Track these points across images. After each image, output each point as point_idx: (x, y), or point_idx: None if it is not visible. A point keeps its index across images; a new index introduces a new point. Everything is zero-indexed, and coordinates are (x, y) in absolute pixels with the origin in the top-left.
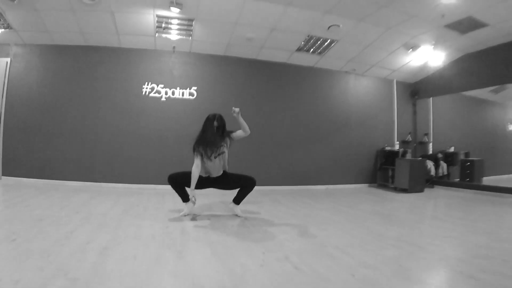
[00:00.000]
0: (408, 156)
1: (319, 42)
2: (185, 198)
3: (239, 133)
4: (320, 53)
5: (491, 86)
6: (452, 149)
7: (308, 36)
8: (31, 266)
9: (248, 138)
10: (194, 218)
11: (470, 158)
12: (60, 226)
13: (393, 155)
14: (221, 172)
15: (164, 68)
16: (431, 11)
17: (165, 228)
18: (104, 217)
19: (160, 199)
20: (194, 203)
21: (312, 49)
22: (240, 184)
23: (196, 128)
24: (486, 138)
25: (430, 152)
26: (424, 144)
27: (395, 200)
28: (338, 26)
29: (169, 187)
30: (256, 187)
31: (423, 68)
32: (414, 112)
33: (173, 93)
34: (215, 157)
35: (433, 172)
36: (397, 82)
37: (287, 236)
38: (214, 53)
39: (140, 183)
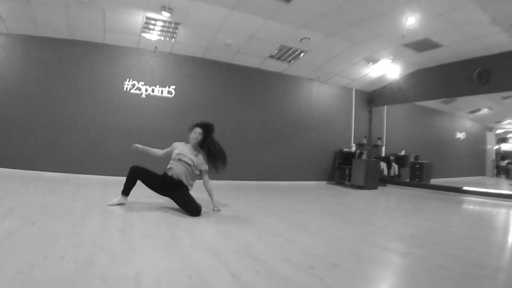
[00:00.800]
0: (364, 157)
1: (290, 51)
2: (126, 192)
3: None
4: (289, 61)
5: (440, 99)
6: (403, 153)
7: (281, 45)
8: (67, 244)
9: (220, 136)
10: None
11: (419, 161)
12: (68, 212)
13: (350, 155)
14: (180, 179)
15: (145, 66)
16: (393, 32)
17: (163, 213)
18: (103, 205)
19: (140, 190)
20: (126, 199)
21: (283, 57)
22: (185, 208)
23: (173, 124)
24: (435, 144)
25: (383, 154)
26: (377, 147)
27: (354, 194)
28: (309, 39)
29: None
30: (226, 181)
31: (380, 79)
32: (370, 118)
33: (152, 90)
34: (179, 159)
35: (385, 172)
36: (356, 90)
37: (271, 220)
38: (192, 55)
39: (119, 176)
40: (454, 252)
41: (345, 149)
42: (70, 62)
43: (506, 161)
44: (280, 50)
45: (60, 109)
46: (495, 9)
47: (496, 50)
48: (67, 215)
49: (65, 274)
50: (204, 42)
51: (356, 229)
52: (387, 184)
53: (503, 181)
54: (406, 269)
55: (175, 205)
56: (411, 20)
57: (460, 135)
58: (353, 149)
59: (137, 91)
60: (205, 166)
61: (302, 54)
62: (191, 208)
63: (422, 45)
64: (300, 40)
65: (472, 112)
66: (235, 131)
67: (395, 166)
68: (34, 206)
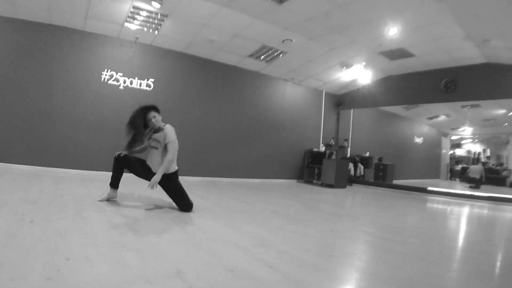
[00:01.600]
0: (333, 157)
1: (270, 51)
2: (114, 184)
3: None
4: (268, 61)
5: (408, 104)
6: (367, 154)
7: (263, 45)
8: (82, 243)
9: (194, 132)
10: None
11: (383, 163)
12: (61, 208)
13: (319, 155)
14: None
15: (125, 57)
16: (372, 40)
17: (158, 208)
18: (93, 200)
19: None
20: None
21: (262, 57)
22: (175, 200)
23: None
24: (395, 147)
25: (348, 155)
26: (343, 148)
27: (328, 192)
28: (292, 41)
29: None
30: (200, 178)
31: (350, 83)
32: (338, 120)
33: (131, 82)
34: (149, 145)
35: (352, 172)
36: (326, 93)
37: (267, 214)
38: (173, 48)
39: (93, 170)
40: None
41: (315, 149)
42: (46, 47)
43: (461, 166)
44: (261, 49)
45: (32, 97)
46: (472, 26)
47: (464, 63)
48: (62, 211)
49: (101, 276)
50: (188, 36)
51: (348, 222)
52: (353, 184)
53: (456, 183)
54: (404, 253)
55: (161, 200)
56: (393, 31)
57: (418, 140)
58: (323, 149)
59: (115, 82)
60: (168, 143)
61: (281, 55)
62: (181, 202)
63: (396, 54)
64: (283, 41)
65: (431, 118)
66: (210, 128)
67: (361, 167)
68: (22, 201)
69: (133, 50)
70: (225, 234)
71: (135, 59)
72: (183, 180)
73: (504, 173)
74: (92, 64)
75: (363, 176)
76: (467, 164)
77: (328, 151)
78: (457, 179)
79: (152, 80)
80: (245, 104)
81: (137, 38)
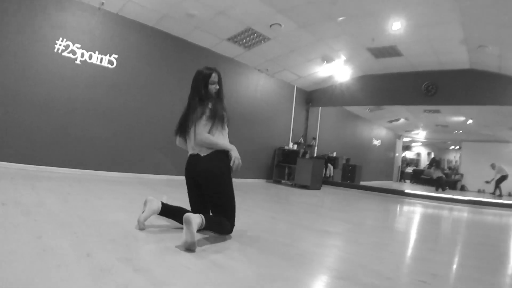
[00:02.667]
0: (307, 156)
1: (253, 35)
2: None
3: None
4: (248, 47)
5: (385, 105)
6: (334, 154)
7: (248, 28)
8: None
9: (160, 120)
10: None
11: (351, 163)
12: (44, 206)
13: (290, 154)
14: (196, 151)
15: (85, 26)
16: (366, 34)
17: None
18: (70, 196)
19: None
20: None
21: (243, 41)
22: (218, 208)
23: (111, 100)
24: (357, 148)
25: (315, 154)
26: (311, 147)
27: (309, 194)
28: (280, 26)
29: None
30: (163, 176)
31: (324, 80)
32: (307, 118)
33: (90, 56)
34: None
35: (323, 173)
36: (297, 88)
37: (276, 223)
38: (144, 21)
39: (41, 164)
40: None
41: (286, 147)
42: None
43: (412, 168)
44: (243, 32)
45: None
46: (473, 31)
47: (448, 67)
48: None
49: None
50: (164, 7)
51: (314, 214)
52: (323, 185)
53: (407, 185)
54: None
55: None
56: (396, 25)
57: (376, 142)
58: (294, 147)
59: (71, 55)
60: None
61: (264, 41)
62: (227, 215)
63: (385, 51)
64: (271, 25)
65: (391, 121)
66: (176, 117)
67: (330, 167)
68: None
69: (96, 18)
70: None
71: (98, 29)
72: (139, 177)
73: (456, 176)
74: (44, 30)
75: (332, 177)
76: (416, 166)
77: (302, 150)
78: (407, 181)
79: (115, 56)
80: None
81: (102, 3)
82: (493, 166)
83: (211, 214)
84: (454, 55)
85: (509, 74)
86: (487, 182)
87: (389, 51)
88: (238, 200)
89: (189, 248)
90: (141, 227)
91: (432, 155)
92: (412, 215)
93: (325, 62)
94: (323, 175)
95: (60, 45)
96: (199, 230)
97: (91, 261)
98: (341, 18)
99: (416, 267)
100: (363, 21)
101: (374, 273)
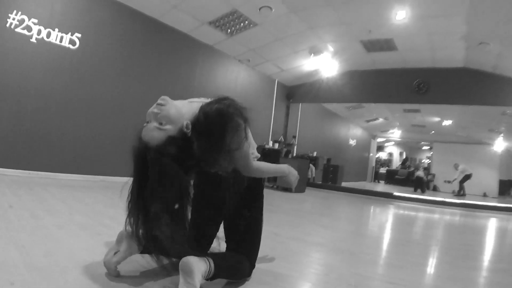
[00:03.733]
0: (290, 156)
1: (239, 19)
2: None
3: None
4: (231, 32)
5: (373, 102)
6: (315, 154)
7: (234, 9)
8: None
9: (127, 110)
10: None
11: (332, 164)
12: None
13: (272, 154)
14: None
15: None
16: (362, 24)
17: None
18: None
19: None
20: None
21: (225, 26)
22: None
23: (72, 87)
24: (334, 147)
25: (295, 154)
26: (291, 146)
27: (292, 197)
28: (271, 9)
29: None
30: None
31: (307, 74)
32: (287, 115)
33: (48, 34)
34: None
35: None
36: (278, 82)
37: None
38: None
39: None
40: None
41: (267, 146)
42: None
43: (386, 168)
44: (228, 15)
45: None
46: (477, 26)
47: (441, 64)
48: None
49: None
50: None
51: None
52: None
53: (381, 186)
54: None
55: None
56: (401, 15)
57: (352, 142)
58: (275, 146)
59: (26, 32)
60: None
61: (250, 26)
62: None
63: (379, 45)
64: (260, 8)
65: (369, 121)
66: (144, 109)
67: (312, 168)
68: None
69: None
70: None
71: (58, 2)
72: (103, 179)
73: (429, 177)
74: None
75: (313, 178)
76: (388, 166)
77: (285, 149)
78: (381, 182)
79: (78, 35)
80: (195, 85)
81: None
82: (456, 166)
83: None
84: (450, 52)
85: (504, 74)
86: (448, 182)
87: (383, 45)
88: None
89: None
90: (114, 273)
91: (404, 155)
92: (418, 221)
93: (313, 54)
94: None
95: (13, 19)
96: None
97: None
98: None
99: None
100: (363, 8)
101: None
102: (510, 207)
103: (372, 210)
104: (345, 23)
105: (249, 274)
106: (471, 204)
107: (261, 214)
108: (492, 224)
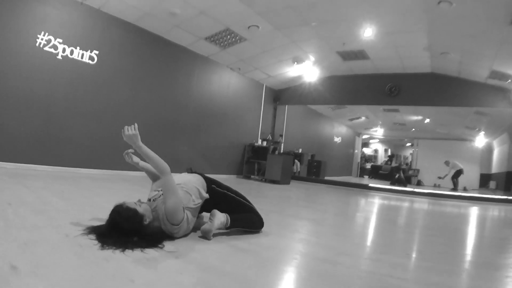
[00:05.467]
0: (276, 153)
1: (230, 36)
2: None
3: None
4: (224, 46)
5: (350, 104)
6: (300, 150)
7: (226, 28)
8: None
9: (138, 121)
10: None
11: (316, 159)
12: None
13: (260, 150)
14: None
15: (67, 20)
16: (338, 38)
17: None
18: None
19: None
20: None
21: (219, 41)
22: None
23: (91, 97)
24: (320, 145)
25: (282, 151)
26: (278, 143)
27: (277, 188)
28: (258, 27)
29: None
30: (133, 172)
31: (292, 79)
32: (274, 115)
33: (71, 52)
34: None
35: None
36: (266, 87)
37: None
38: (124, 18)
39: (19, 162)
40: None
41: (256, 144)
42: None
43: (371, 164)
44: (221, 32)
45: None
46: (437, 39)
47: (411, 70)
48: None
49: None
50: (146, 5)
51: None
52: (291, 180)
53: (366, 180)
54: None
55: None
56: (368, 32)
57: (337, 139)
58: (263, 144)
59: (53, 50)
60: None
61: (240, 41)
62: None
63: (353, 55)
64: (249, 27)
65: (352, 119)
66: (153, 114)
67: (297, 163)
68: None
69: (78, 13)
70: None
71: (79, 24)
72: (119, 174)
73: (410, 172)
74: (26, 23)
75: (299, 172)
76: (374, 162)
77: (272, 146)
78: (366, 177)
79: (96, 52)
80: (191, 91)
81: None
82: (447, 163)
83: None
84: (417, 60)
85: (468, 78)
86: (440, 178)
87: (357, 55)
88: None
89: (205, 235)
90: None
91: (389, 152)
92: (383, 205)
93: (296, 63)
94: (294, 171)
95: (42, 39)
96: (228, 228)
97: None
98: (314, 24)
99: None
100: (336, 26)
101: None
102: (466, 196)
103: (344, 197)
104: (322, 38)
105: (260, 225)
106: (436, 194)
107: (244, 200)
108: (447, 209)
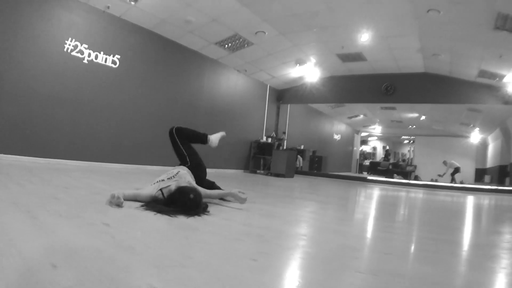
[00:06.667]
0: (281, 148)
1: (239, 41)
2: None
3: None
4: (232, 50)
5: (349, 103)
6: (302, 147)
7: (235, 34)
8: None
9: (154, 120)
10: None
11: (317, 155)
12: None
13: (265, 146)
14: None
15: (91, 27)
16: (337, 42)
17: None
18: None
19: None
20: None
21: (228, 45)
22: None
23: (113, 98)
24: (320, 142)
25: (285, 147)
26: (281, 140)
27: (283, 180)
28: (265, 33)
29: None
30: (158, 167)
31: (294, 79)
32: (278, 114)
33: (96, 56)
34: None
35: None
36: (269, 87)
37: (287, 205)
38: (142, 25)
39: (51, 157)
40: None
41: (261, 140)
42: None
43: (369, 161)
44: (231, 37)
45: None
46: (429, 42)
47: (405, 71)
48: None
49: None
50: (164, 13)
51: (298, 200)
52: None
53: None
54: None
55: None
56: (365, 37)
57: (337, 137)
58: (268, 140)
59: (79, 55)
60: None
61: (248, 45)
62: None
63: (351, 57)
64: (256, 32)
65: (350, 117)
66: (168, 113)
67: (300, 158)
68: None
69: (101, 21)
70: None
71: (103, 30)
72: (138, 167)
73: (408, 168)
74: (55, 30)
75: (301, 167)
76: (373, 159)
77: (276, 142)
78: (365, 173)
79: (118, 56)
80: (203, 92)
81: (108, 7)
82: (445, 163)
83: None
84: (411, 61)
85: (459, 77)
86: (439, 175)
87: (355, 57)
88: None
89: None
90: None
91: (387, 148)
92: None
93: (298, 64)
94: (297, 166)
95: (69, 45)
96: None
97: None
98: (315, 29)
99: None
100: (336, 31)
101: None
102: (458, 186)
103: (346, 187)
104: (323, 42)
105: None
106: (431, 185)
107: None
108: (435, 197)
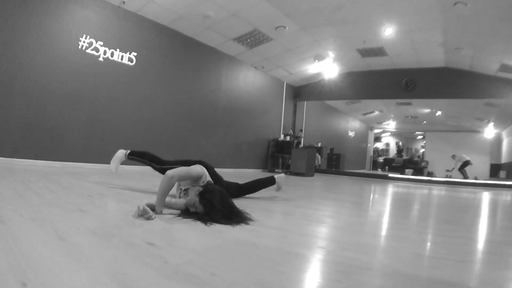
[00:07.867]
0: (300, 146)
1: (258, 36)
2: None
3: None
4: (251, 46)
5: (368, 99)
6: (319, 144)
7: (255, 29)
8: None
9: (170, 118)
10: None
11: (335, 153)
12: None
13: (284, 145)
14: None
15: (107, 24)
16: (359, 37)
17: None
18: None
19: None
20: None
21: (247, 41)
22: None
23: (130, 97)
24: (338, 139)
25: (302, 145)
26: (299, 138)
27: (305, 179)
28: (285, 28)
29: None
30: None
31: (312, 76)
32: (294, 112)
33: (112, 54)
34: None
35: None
36: (286, 83)
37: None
38: (158, 21)
39: (66, 161)
40: None
41: (280, 139)
42: (13, 5)
43: (383, 157)
44: (250, 33)
45: None
46: (452, 36)
47: (425, 65)
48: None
49: None
50: (182, 8)
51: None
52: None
53: (381, 172)
54: None
55: None
56: (388, 31)
57: (351, 133)
58: (286, 138)
59: (94, 52)
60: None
61: (267, 41)
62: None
63: (372, 52)
64: (276, 27)
65: (365, 114)
66: (186, 111)
67: (318, 156)
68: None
69: (117, 17)
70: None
71: (118, 27)
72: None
73: (422, 164)
74: (69, 27)
75: (319, 165)
76: (386, 156)
77: (295, 141)
78: (379, 170)
79: (135, 54)
80: (221, 89)
81: (123, 2)
82: (453, 157)
83: None
84: (432, 55)
85: (479, 71)
86: (448, 170)
87: (376, 52)
88: None
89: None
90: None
91: (400, 144)
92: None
93: (317, 60)
94: (316, 164)
95: (84, 42)
96: None
97: None
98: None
99: None
100: (358, 25)
101: None
102: (477, 183)
103: (368, 186)
104: (344, 37)
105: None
106: (451, 182)
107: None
108: (457, 194)
